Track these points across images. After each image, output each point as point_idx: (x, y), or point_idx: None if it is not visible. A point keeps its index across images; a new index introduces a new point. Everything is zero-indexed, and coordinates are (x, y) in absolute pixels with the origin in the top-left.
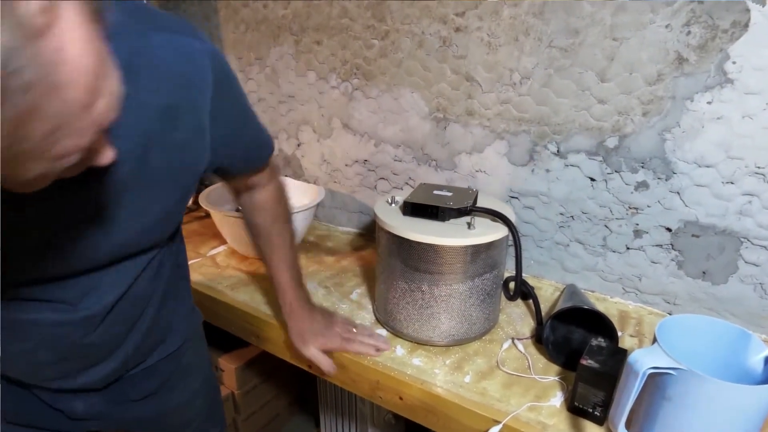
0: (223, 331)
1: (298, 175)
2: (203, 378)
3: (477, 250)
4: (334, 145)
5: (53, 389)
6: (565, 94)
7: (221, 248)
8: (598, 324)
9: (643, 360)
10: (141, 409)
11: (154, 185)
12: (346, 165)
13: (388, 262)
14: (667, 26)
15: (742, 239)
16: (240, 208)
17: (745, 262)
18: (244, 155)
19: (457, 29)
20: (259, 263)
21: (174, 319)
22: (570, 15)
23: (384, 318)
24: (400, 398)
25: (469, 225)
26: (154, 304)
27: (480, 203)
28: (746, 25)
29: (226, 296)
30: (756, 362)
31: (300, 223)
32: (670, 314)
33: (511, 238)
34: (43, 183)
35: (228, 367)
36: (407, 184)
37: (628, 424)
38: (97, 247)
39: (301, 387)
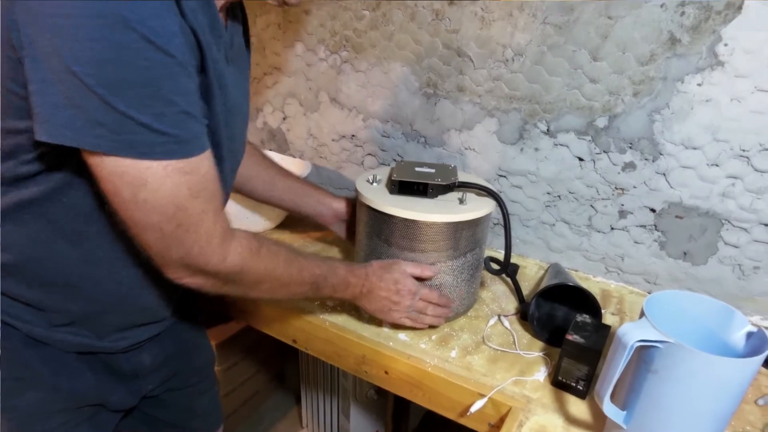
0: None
1: (283, 150)
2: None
3: (469, 226)
4: (321, 119)
5: (126, 347)
6: (557, 72)
7: None
8: (582, 301)
9: (632, 333)
10: (181, 360)
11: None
12: (333, 140)
13: (373, 243)
14: (662, 6)
15: (724, 221)
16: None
17: (725, 244)
18: None
19: (451, 2)
20: None
21: None
22: None
23: None
24: (386, 372)
25: (460, 201)
26: None
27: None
28: (740, 8)
29: None
30: (738, 338)
31: None
32: (649, 293)
33: (497, 213)
34: None
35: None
36: (394, 160)
37: (611, 397)
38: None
39: (282, 362)
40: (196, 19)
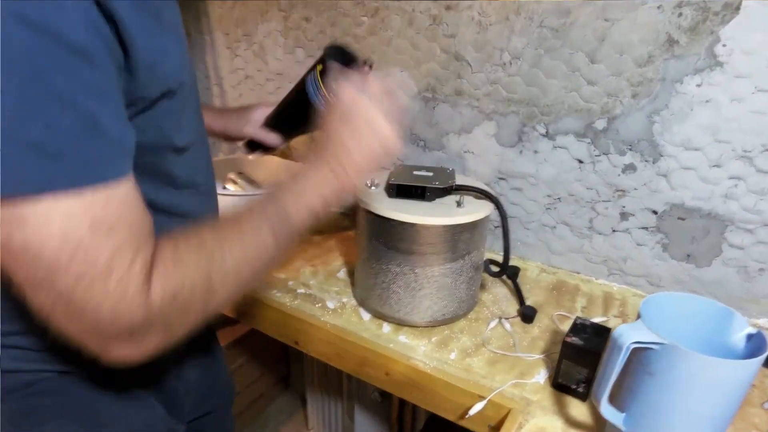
0: None
1: (285, 155)
2: None
3: (467, 228)
4: None
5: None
6: (554, 75)
7: None
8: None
9: (627, 335)
10: (208, 381)
11: None
12: None
13: (373, 246)
14: (658, 7)
15: (727, 222)
16: None
17: (729, 245)
18: None
19: (448, 7)
20: None
21: None
22: None
23: (368, 301)
24: (387, 374)
25: (458, 204)
26: None
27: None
28: (737, 8)
29: None
30: (738, 339)
31: None
32: None
33: (497, 216)
34: None
35: None
36: (393, 164)
37: (611, 399)
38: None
39: (288, 365)
40: None
